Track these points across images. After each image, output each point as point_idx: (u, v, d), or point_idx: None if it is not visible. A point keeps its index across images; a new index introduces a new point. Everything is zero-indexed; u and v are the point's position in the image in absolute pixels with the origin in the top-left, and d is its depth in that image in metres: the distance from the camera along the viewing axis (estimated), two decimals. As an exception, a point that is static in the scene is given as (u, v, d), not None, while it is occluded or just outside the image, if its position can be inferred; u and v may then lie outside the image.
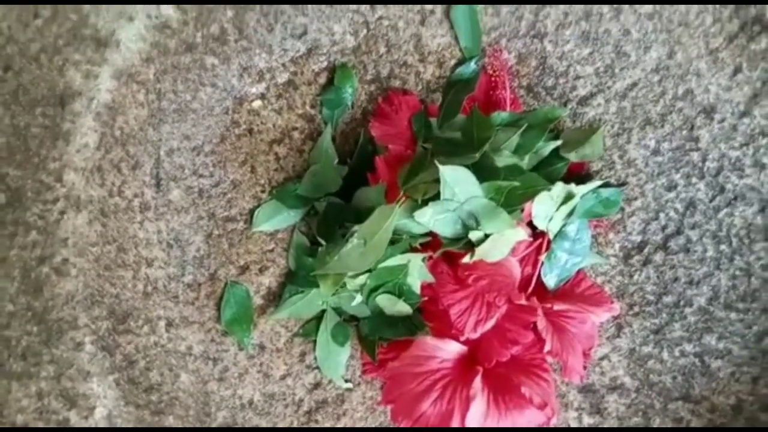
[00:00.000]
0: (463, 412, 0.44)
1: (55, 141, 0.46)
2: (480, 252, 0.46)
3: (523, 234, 0.47)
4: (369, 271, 0.47)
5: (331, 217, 0.50)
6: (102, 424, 0.47)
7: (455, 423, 0.45)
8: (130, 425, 0.47)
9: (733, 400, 0.51)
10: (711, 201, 0.51)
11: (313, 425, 0.52)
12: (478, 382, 0.45)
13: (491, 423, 0.45)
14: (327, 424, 0.52)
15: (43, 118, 0.47)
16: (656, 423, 0.51)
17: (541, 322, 0.47)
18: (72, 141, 0.47)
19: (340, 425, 0.52)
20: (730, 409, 0.51)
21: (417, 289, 0.49)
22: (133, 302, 0.49)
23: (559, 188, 0.47)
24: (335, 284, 0.45)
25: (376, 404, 0.52)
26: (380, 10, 0.51)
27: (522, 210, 0.47)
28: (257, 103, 0.52)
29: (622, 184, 0.52)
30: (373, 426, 0.53)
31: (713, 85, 0.50)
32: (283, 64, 0.51)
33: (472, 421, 0.44)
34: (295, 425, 0.52)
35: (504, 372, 0.46)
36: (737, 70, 0.49)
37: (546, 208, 0.48)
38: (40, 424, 0.46)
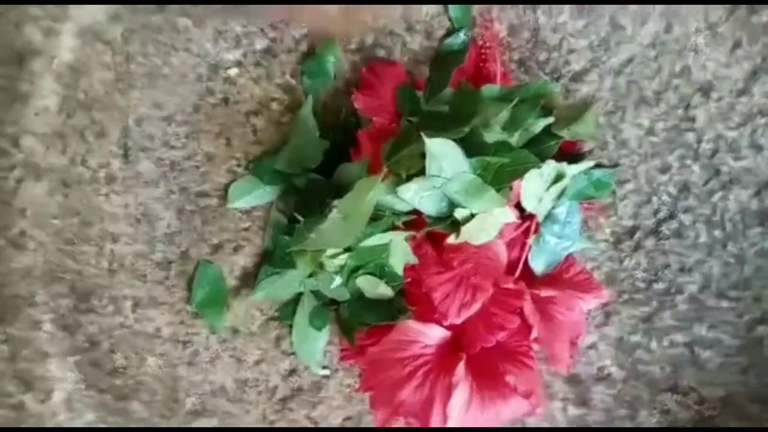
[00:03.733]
0: (444, 400, 0.43)
1: (12, 103, 0.45)
2: (466, 232, 0.45)
3: (511, 215, 0.46)
4: (349, 249, 0.46)
5: (310, 194, 0.49)
6: (61, 409, 0.45)
7: (436, 411, 0.43)
8: (91, 409, 0.46)
9: (722, 391, 0.50)
10: (705, 184, 0.50)
11: (287, 413, 0.51)
12: (461, 368, 0.44)
13: (474, 412, 0.44)
14: (302, 413, 0.51)
15: (-2, 78, 0.45)
16: (643, 414, 0.50)
17: (528, 308, 0.46)
18: (30, 103, 0.45)
19: (315, 414, 0.51)
20: (718, 401, 0.50)
21: (399, 271, 0.47)
22: (96, 280, 0.47)
23: (550, 166, 0.46)
24: (313, 262, 0.44)
25: (354, 392, 0.51)
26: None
27: (511, 188, 0.45)
28: (233, 71, 0.50)
29: (614, 165, 0.50)
30: (350, 414, 0.51)
31: (711, 62, 0.49)
32: (262, 29, 0.50)
33: (454, 410, 0.43)
34: (268, 413, 0.50)
35: (488, 359, 0.45)
36: (737, 44, 0.48)
37: (536, 187, 0.46)
38: (-7, 408, 0.44)
